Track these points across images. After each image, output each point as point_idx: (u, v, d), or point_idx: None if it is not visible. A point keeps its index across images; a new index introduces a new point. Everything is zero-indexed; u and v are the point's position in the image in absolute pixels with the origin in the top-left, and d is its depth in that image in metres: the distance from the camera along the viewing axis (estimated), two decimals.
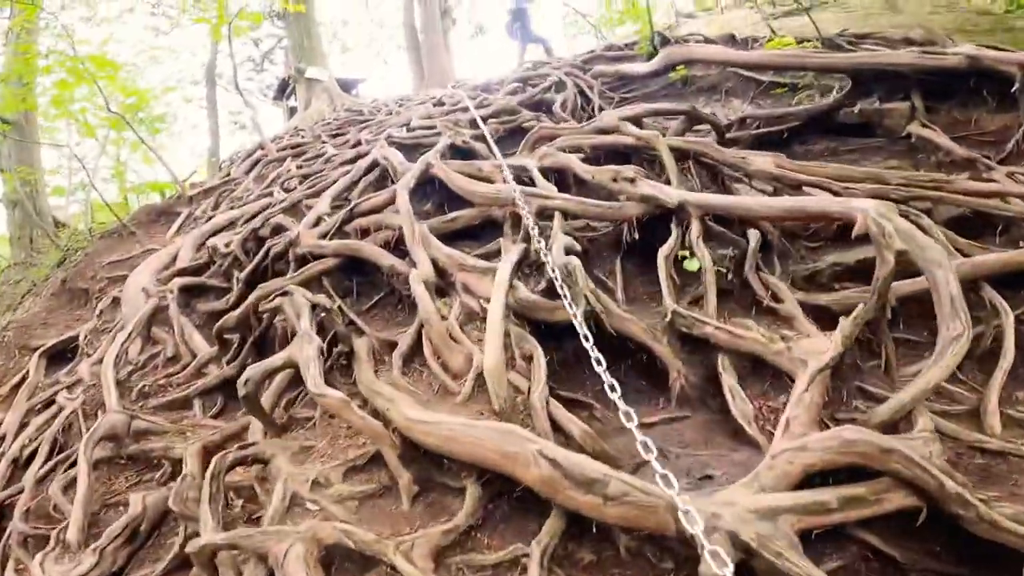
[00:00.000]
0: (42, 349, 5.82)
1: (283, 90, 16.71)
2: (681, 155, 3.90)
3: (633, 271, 3.50)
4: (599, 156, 4.22)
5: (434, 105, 8.10)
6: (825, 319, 3.21)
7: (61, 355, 6.09)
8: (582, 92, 7.46)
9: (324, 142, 9.64)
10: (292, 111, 16.32)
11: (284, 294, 3.57)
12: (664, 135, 5.04)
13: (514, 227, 3.86)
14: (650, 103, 8.60)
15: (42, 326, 7.20)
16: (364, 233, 4.39)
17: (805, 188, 3.39)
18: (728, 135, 6.65)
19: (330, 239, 4.36)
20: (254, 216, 6.07)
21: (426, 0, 15.51)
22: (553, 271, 2.79)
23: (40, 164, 13.82)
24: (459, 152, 5.07)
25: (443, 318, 3.08)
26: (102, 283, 7.88)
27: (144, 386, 4.85)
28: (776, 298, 3.15)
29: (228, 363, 4.47)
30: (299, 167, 8.00)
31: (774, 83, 7.57)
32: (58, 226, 14.71)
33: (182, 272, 6.14)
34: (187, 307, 5.69)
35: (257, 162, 9.56)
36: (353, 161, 6.16)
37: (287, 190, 6.34)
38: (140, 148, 15.86)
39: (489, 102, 6.59)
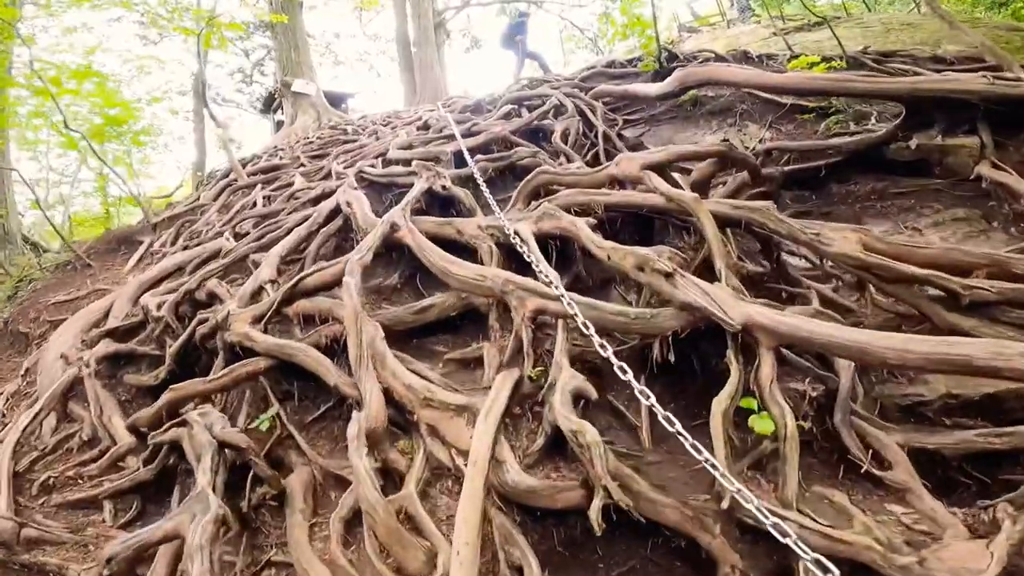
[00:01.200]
0: None
1: (270, 103, 15.61)
2: (726, 222, 2.85)
3: (664, 395, 2.44)
4: (616, 218, 3.17)
5: (418, 129, 7.03)
6: (934, 474, 2.20)
7: None
8: (584, 116, 6.41)
9: (302, 164, 8.64)
10: (279, 124, 15.23)
11: (182, 424, 2.50)
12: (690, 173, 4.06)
13: (502, 319, 2.81)
14: (657, 126, 7.62)
15: None
16: (308, 321, 3.31)
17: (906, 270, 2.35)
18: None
19: (267, 324, 3.29)
20: (200, 265, 4.99)
21: (419, 14, 14.45)
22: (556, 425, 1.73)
23: (9, 183, 12.66)
24: (437, 201, 4.00)
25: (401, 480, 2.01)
26: (43, 327, 6.81)
27: (50, 478, 3.91)
28: (880, 459, 2.11)
29: (146, 463, 3.44)
30: (265, 198, 6.95)
31: (797, 107, 6.57)
32: (28, 244, 13.57)
33: (111, 333, 5.05)
34: (112, 378, 4.64)
35: (227, 187, 8.49)
36: (317, 201, 5.08)
37: (238, 236, 5.25)
38: (123, 160, 14.81)
39: (479, 129, 5.52)
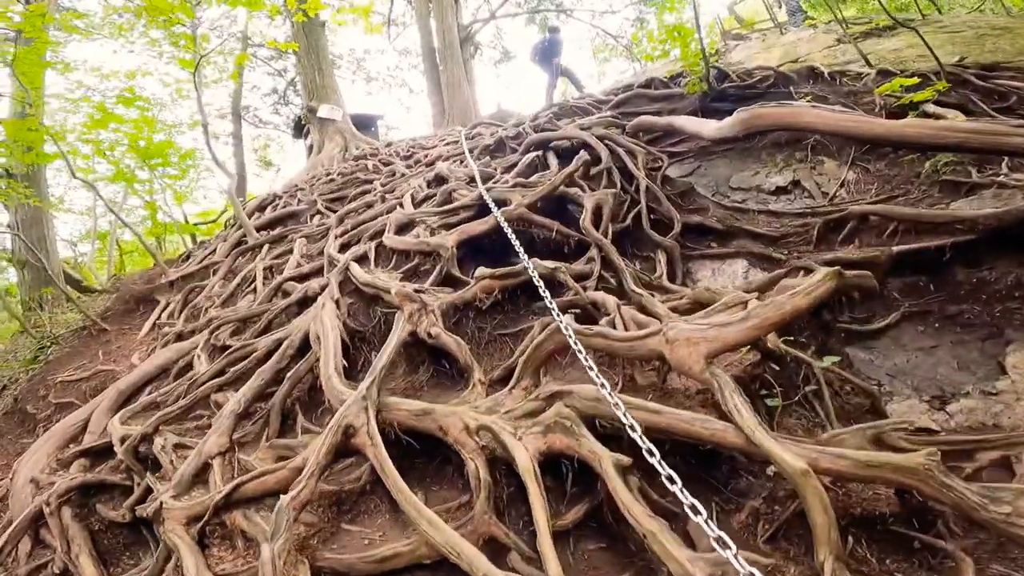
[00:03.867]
0: None
1: (300, 128, 14.59)
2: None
3: None
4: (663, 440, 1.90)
5: (429, 184, 5.80)
6: None
7: None
8: (620, 163, 5.08)
9: (318, 211, 7.58)
10: (311, 149, 14.24)
11: None
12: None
13: None
14: (709, 161, 6.18)
15: None
16: (249, 540, 2.18)
17: None
18: (838, 236, 4.23)
19: (204, 529, 2.22)
20: (178, 375, 3.97)
21: (444, 30, 13.11)
22: None
23: (48, 220, 12.03)
24: (425, 351, 2.78)
25: None
26: (49, 409, 5.96)
27: None
28: None
29: None
30: (266, 269, 5.88)
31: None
32: (72, 284, 12.99)
33: (85, 453, 4.10)
34: (84, 507, 3.68)
35: (237, 244, 7.50)
36: (301, 306, 3.94)
37: (214, 349, 4.15)
38: (170, 186, 14.13)
39: (496, 196, 4.24)
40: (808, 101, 5.91)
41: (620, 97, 7.61)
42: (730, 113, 6.58)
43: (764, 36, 8.86)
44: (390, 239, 4.07)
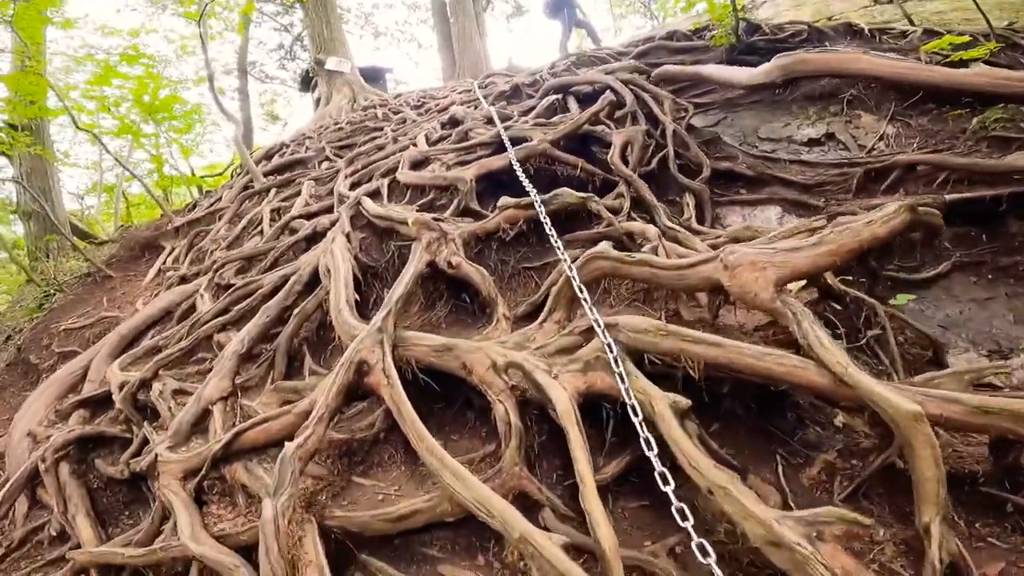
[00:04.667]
0: None
1: (308, 82, 13.97)
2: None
3: None
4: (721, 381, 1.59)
5: (443, 126, 5.38)
6: None
7: None
8: (646, 109, 4.67)
9: (326, 158, 7.18)
10: (318, 102, 13.68)
11: None
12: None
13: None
14: (734, 112, 5.74)
15: None
16: (251, 496, 1.90)
17: None
18: (881, 185, 3.88)
19: (200, 484, 1.93)
20: (183, 316, 3.67)
21: None
22: None
23: (52, 171, 11.61)
24: (444, 284, 2.46)
25: None
26: (52, 359, 5.71)
27: None
28: None
29: None
30: (273, 211, 5.53)
31: (933, 93, 4.62)
32: (78, 235, 12.61)
33: (84, 403, 3.83)
34: (83, 462, 3.42)
35: (245, 189, 7.12)
36: (310, 243, 3.61)
37: (218, 288, 3.84)
38: (176, 140, 13.72)
39: (515, 135, 3.85)
40: None
41: (641, 48, 7.10)
42: (757, 66, 6.11)
43: None
44: (404, 174, 3.70)
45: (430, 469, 1.65)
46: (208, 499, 2.11)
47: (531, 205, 2.67)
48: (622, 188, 3.15)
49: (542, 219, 2.42)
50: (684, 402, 1.53)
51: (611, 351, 1.63)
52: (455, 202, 3.19)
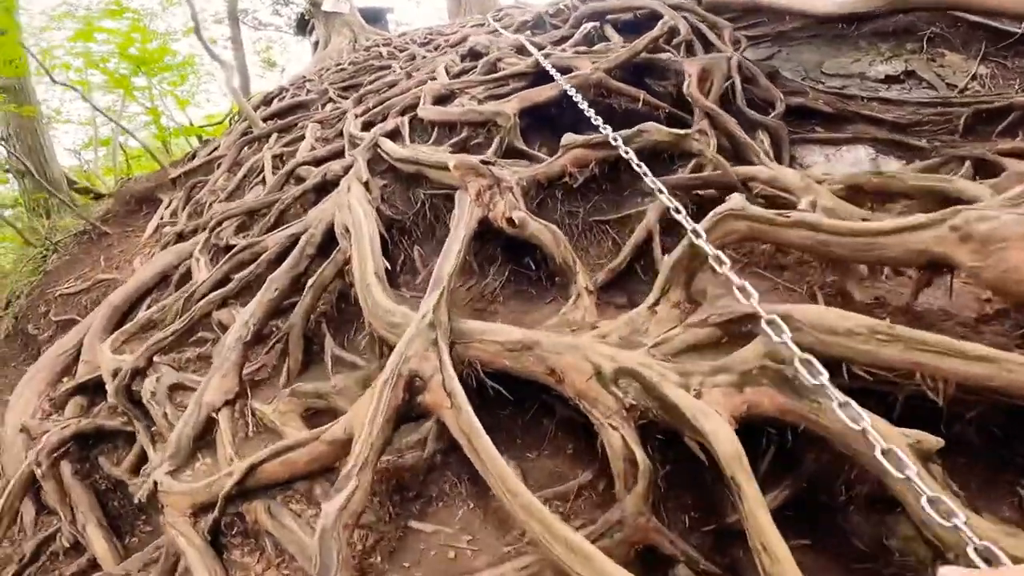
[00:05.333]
0: None
1: (304, 25, 12.83)
2: None
3: None
4: None
5: (463, 57, 4.61)
6: None
7: None
8: (705, 43, 3.92)
9: (330, 99, 6.41)
10: (316, 46, 12.61)
11: None
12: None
13: None
14: (790, 46, 4.92)
15: None
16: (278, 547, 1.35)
17: None
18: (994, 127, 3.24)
19: (216, 527, 1.40)
20: (180, 281, 3.11)
21: None
22: None
23: (42, 128, 10.78)
24: (498, 245, 1.85)
25: None
26: (50, 329, 5.16)
27: None
28: None
29: None
30: (275, 158, 4.86)
31: None
32: (76, 190, 11.85)
33: (81, 388, 3.30)
34: (85, 461, 2.92)
35: (244, 135, 6.39)
36: (319, 192, 2.96)
37: (216, 250, 3.22)
38: (171, 92, 12.90)
39: (556, 63, 3.13)
40: None
41: None
42: None
43: None
44: (427, 110, 3.01)
45: (528, 531, 1.09)
46: (227, 541, 1.57)
47: (604, 144, 2.02)
48: (703, 124, 2.48)
49: (628, 158, 1.78)
50: (933, 442, 0.95)
51: (806, 367, 1.03)
52: (496, 140, 2.52)
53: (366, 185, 2.52)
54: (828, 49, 4.87)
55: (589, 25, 4.35)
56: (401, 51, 7.67)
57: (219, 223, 3.30)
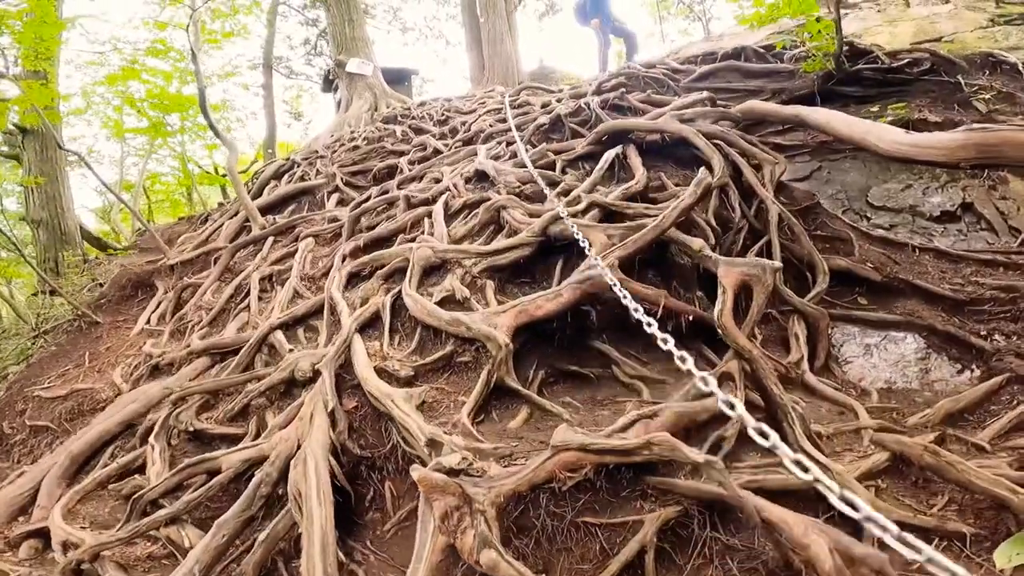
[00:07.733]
0: None
1: (330, 82, 12.86)
2: None
3: None
4: None
5: (467, 181, 4.27)
6: None
7: None
8: (738, 182, 3.51)
9: (336, 189, 6.20)
10: (339, 104, 12.60)
11: None
12: None
13: None
14: (832, 163, 4.49)
15: None
16: None
17: None
18: None
19: None
20: (145, 436, 2.71)
21: None
22: None
23: (63, 177, 10.76)
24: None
25: None
26: (24, 432, 4.85)
27: None
28: None
29: None
30: (263, 279, 4.55)
31: None
32: (91, 241, 11.83)
33: (37, 534, 3.06)
34: None
35: (239, 233, 6.17)
36: (287, 390, 2.56)
37: (176, 434, 2.83)
38: (200, 136, 13.02)
39: (571, 234, 2.71)
40: (987, 100, 4.17)
41: (705, 69, 5.83)
42: (860, 101, 4.81)
43: (880, 6, 6.81)
44: (413, 300, 2.60)
45: None
46: None
47: (604, 450, 1.57)
48: (732, 367, 2.01)
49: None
50: None
51: None
52: (483, 374, 2.08)
53: (331, 415, 2.12)
54: (875, 167, 4.35)
55: (612, 154, 3.94)
56: (416, 133, 7.46)
57: (182, 399, 2.92)
